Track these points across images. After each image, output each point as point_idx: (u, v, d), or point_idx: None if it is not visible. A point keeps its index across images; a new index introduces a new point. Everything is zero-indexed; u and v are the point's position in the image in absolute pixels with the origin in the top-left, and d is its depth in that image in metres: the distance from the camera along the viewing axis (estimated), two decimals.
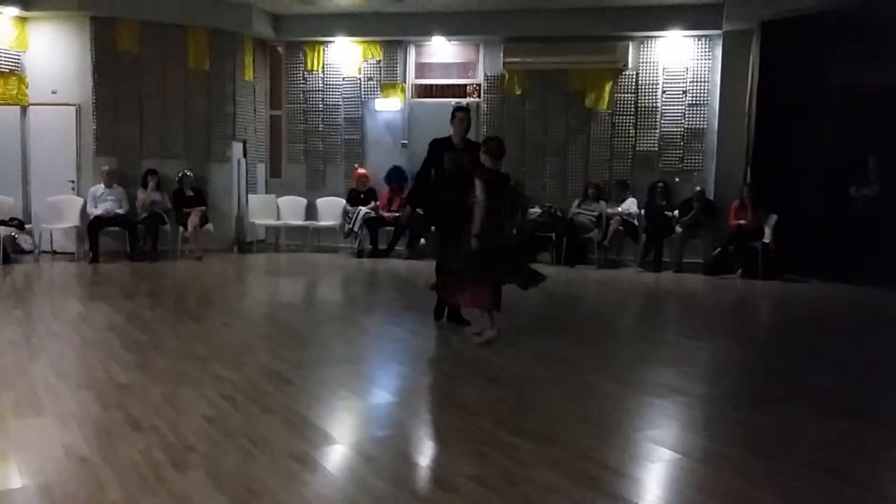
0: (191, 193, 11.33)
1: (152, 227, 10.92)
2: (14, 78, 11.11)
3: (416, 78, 12.76)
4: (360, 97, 12.82)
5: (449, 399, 4.71)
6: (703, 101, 11.56)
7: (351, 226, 11.89)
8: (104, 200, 10.82)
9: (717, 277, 10.37)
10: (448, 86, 12.69)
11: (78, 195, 11.24)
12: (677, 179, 11.49)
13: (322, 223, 12.42)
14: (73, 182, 11.39)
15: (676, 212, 11.06)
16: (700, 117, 11.59)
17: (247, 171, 12.61)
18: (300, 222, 12.52)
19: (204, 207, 11.31)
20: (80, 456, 3.53)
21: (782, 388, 5.18)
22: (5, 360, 5.32)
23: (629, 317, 8.46)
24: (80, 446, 3.65)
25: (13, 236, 10.42)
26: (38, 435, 3.86)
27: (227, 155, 12.12)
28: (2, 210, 10.61)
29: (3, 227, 10.26)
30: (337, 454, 3.81)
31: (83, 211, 10.94)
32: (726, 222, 10.72)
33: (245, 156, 12.56)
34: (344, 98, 12.87)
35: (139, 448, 3.63)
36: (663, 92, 11.72)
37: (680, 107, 11.67)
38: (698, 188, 11.05)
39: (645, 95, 11.78)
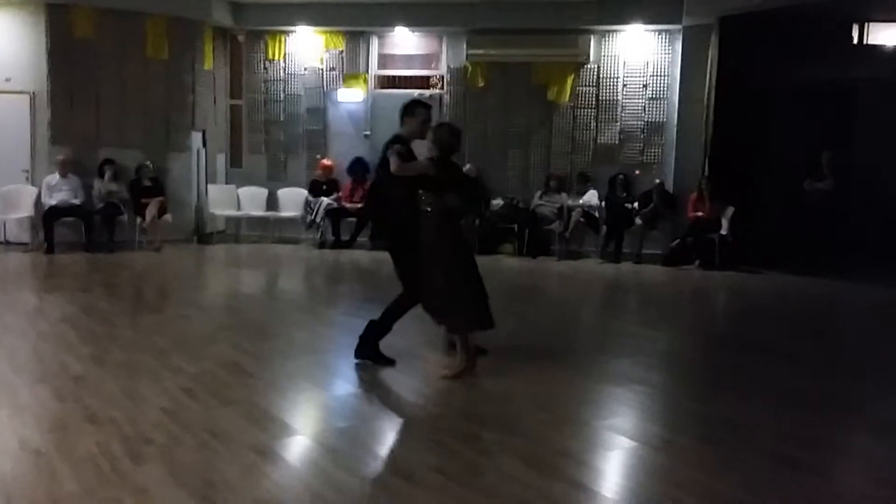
0: (148, 184, 11.14)
1: (109, 218, 10.71)
2: None
3: (379, 69, 12.69)
4: (323, 88, 12.71)
5: (410, 391, 4.72)
6: (663, 94, 11.69)
7: (313, 217, 11.81)
8: (59, 190, 10.58)
9: (675, 268, 10.53)
10: (411, 77, 12.65)
11: (32, 185, 10.97)
12: (637, 172, 11.63)
13: (284, 214, 12.31)
14: (27, 171, 11.12)
15: (636, 204, 11.19)
16: (660, 111, 11.72)
17: (206, 162, 12.43)
18: (261, 213, 12.39)
19: (162, 198, 11.12)
20: (35, 449, 3.47)
21: (739, 378, 5.29)
22: None
23: (589, 308, 8.56)
24: (36, 440, 3.59)
25: None
26: None
27: (186, 145, 11.92)
28: None
29: None
30: (298, 445, 3.81)
31: (38, 201, 10.69)
32: (685, 214, 10.88)
33: (205, 146, 12.37)
34: (306, 88, 12.75)
35: (96, 441, 3.59)
36: (624, 85, 11.83)
37: (640, 100, 11.79)
38: (658, 180, 11.20)
39: (606, 89, 11.88)
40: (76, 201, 10.63)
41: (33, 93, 11.05)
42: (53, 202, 10.47)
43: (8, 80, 10.98)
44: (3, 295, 7.74)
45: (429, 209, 4.82)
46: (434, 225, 4.81)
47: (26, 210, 10.69)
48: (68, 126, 11.10)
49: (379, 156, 5.16)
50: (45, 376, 4.70)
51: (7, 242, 10.72)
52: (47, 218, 10.37)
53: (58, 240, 10.39)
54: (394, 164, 4.79)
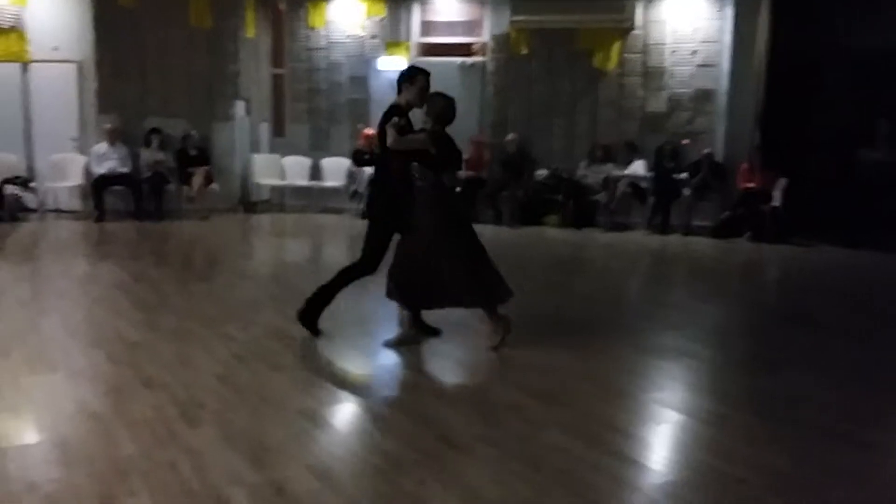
0: (194, 153, 11.24)
1: (156, 187, 10.85)
2: (14, 34, 10.94)
3: (421, 36, 12.56)
4: (365, 56, 12.64)
5: (457, 361, 4.72)
6: (714, 61, 11.35)
7: (356, 186, 11.82)
8: (108, 159, 10.73)
9: (725, 241, 10.31)
10: (453, 44, 12.49)
11: (81, 154, 11.16)
12: (686, 141, 11.34)
13: (327, 183, 12.33)
14: (75, 140, 11.30)
15: (685, 174, 10.96)
16: (710, 78, 11.38)
17: (250, 131, 12.51)
18: (305, 182, 12.44)
19: (208, 167, 11.22)
20: (93, 412, 3.55)
21: (789, 352, 5.19)
22: (16, 317, 5.34)
23: (636, 280, 8.45)
24: (93, 403, 3.67)
25: (17, 195, 10.36)
26: (51, 391, 3.88)
27: (230, 114, 11.99)
28: (6, 168, 10.52)
29: (7, 185, 10.19)
30: (346, 413, 3.84)
31: (87, 169, 10.87)
32: (735, 185, 10.63)
33: (248, 115, 12.44)
34: (348, 56, 12.68)
35: (151, 404, 3.66)
36: (672, 52, 11.53)
37: (689, 67, 11.47)
38: (707, 150, 10.93)
39: (654, 55, 11.60)
40: (124, 170, 10.77)
41: (80, 61, 11.18)
42: (102, 171, 10.63)
43: (55, 49, 11.11)
44: (56, 262, 7.91)
45: (423, 185, 4.72)
46: (428, 204, 4.72)
47: (76, 178, 10.87)
48: (115, 95, 11.22)
49: (377, 126, 4.87)
50: (99, 341, 4.80)
51: (58, 210, 10.94)
52: (97, 186, 10.54)
53: (107, 208, 10.57)
54: (391, 137, 4.58)
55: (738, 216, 10.51)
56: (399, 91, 4.85)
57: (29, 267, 7.57)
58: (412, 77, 4.83)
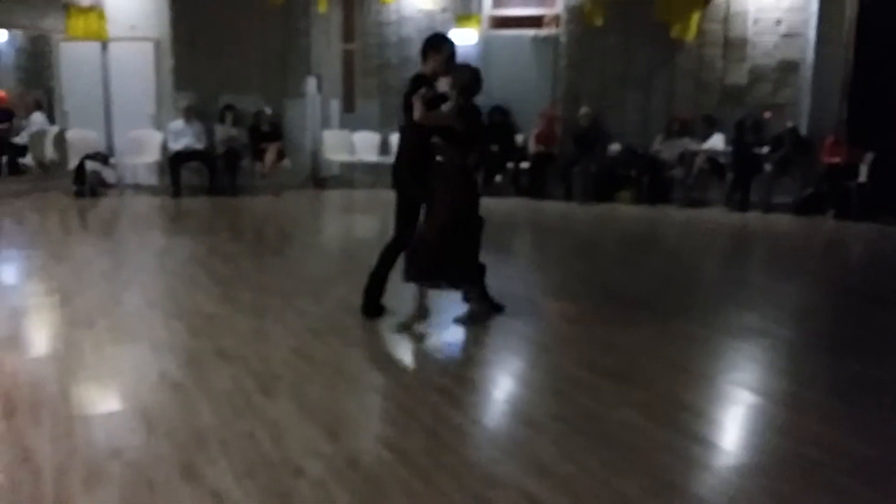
0: (267, 129, 11.42)
1: (230, 163, 11.09)
2: (94, 13, 11.28)
3: (493, 8, 12.39)
4: (434, 29, 12.55)
5: (528, 338, 4.68)
6: (798, 31, 10.86)
7: None
8: (184, 136, 11.00)
9: (807, 218, 9.93)
10: (525, 17, 12.28)
11: (158, 130, 11.46)
12: (768, 115, 10.90)
13: None
14: (152, 116, 11.61)
15: (766, 149, 10.55)
16: (794, 48, 10.90)
17: (321, 107, 12.62)
18: (375, 158, 12.50)
19: (280, 143, 11.40)
20: (174, 382, 3.66)
21: (870, 333, 4.98)
22: (99, 289, 5.54)
23: (713, 258, 8.21)
24: (174, 373, 3.78)
25: (97, 170, 10.73)
26: (134, 361, 4.02)
27: (301, 90, 12.12)
28: (87, 144, 10.90)
29: (88, 160, 10.56)
30: (417, 388, 3.84)
31: (163, 145, 11.18)
32: (819, 160, 10.20)
33: (320, 91, 12.55)
34: (418, 30, 12.60)
35: (229, 376, 3.75)
36: (755, 21, 11.07)
37: (772, 37, 11.00)
38: (790, 124, 10.49)
39: (735, 25, 11.16)
40: (200, 146, 11.03)
41: (157, 39, 11.45)
42: (178, 147, 10.91)
43: (133, 27, 11.41)
44: (135, 236, 8.19)
45: (443, 161, 4.58)
46: (447, 181, 4.58)
47: (153, 154, 11.19)
48: (190, 72, 11.48)
49: (402, 95, 4.69)
50: (178, 313, 4.93)
51: (136, 186, 11.30)
52: (173, 162, 10.83)
53: (183, 183, 10.86)
54: (418, 111, 4.39)
55: (822, 193, 10.10)
56: (424, 60, 4.74)
57: (109, 241, 7.85)
58: (438, 45, 4.70)
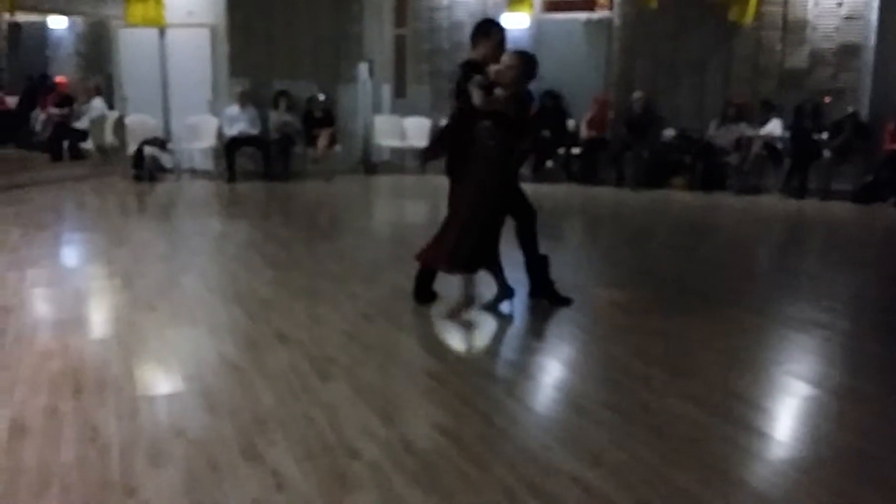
0: (320, 114, 11.53)
1: (284, 148, 11.23)
2: (152, 0, 11.50)
3: None
4: (487, 14, 12.48)
5: (580, 327, 4.67)
6: (861, 13, 10.51)
7: None
8: (239, 121, 11.16)
9: (866, 206, 9.65)
10: (578, 0, 12.13)
11: (214, 115, 11.66)
12: (828, 99, 10.59)
13: None
14: (208, 102, 11.80)
15: (825, 134, 10.26)
16: (856, 31, 10.55)
17: (372, 92, 12.68)
18: (425, 144, 12.52)
19: (332, 128, 11.50)
20: (233, 364, 3.76)
21: None
22: (158, 272, 5.70)
23: (768, 246, 8.05)
24: (233, 355, 3.88)
25: (156, 155, 10.98)
26: (195, 343, 4.14)
27: (354, 75, 12.20)
28: (145, 129, 11.15)
29: (146, 146, 10.81)
30: (469, 373, 3.88)
31: (219, 131, 11.37)
32: (880, 147, 9.89)
33: (371, 76, 12.61)
34: (470, 15, 12.55)
35: (286, 359, 3.84)
36: (816, 3, 10.74)
37: (834, 19, 10.67)
38: (851, 109, 10.18)
39: (795, 7, 10.84)
40: (254, 132, 11.17)
41: (213, 25, 11.63)
42: (234, 132, 11.07)
43: (190, 13, 11.59)
44: (192, 220, 8.38)
45: (488, 146, 4.52)
46: (490, 166, 4.54)
47: (209, 140, 11.38)
48: (246, 58, 11.62)
49: (453, 83, 4.68)
50: (236, 296, 5.05)
51: (192, 171, 11.54)
52: (229, 148, 11.01)
53: (238, 168, 11.04)
54: (478, 97, 4.37)
55: (883, 180, 9.80)
56: (474, 46, 4.71)
57: (168, 225, 8.05)
58: (488, 31, 4.67)
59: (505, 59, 4.52)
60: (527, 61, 4.57)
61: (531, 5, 12.11)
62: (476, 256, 4.65)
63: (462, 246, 4.59)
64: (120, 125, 11.27)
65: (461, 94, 4.54)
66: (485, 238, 4.62)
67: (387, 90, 13.11)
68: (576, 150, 11.30)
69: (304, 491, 2.59)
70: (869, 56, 10.47)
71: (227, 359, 3.82)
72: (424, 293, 4.87)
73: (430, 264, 4.79)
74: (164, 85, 11.82)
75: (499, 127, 4.50)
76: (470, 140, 4.58)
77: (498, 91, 4.49)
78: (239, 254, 6.47)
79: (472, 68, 4.56)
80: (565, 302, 4.88)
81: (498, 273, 4.80)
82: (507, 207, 4.72)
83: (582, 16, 11.69)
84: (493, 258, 4.76)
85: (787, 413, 3.50)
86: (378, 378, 3.65)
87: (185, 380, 3.57)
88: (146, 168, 10.69)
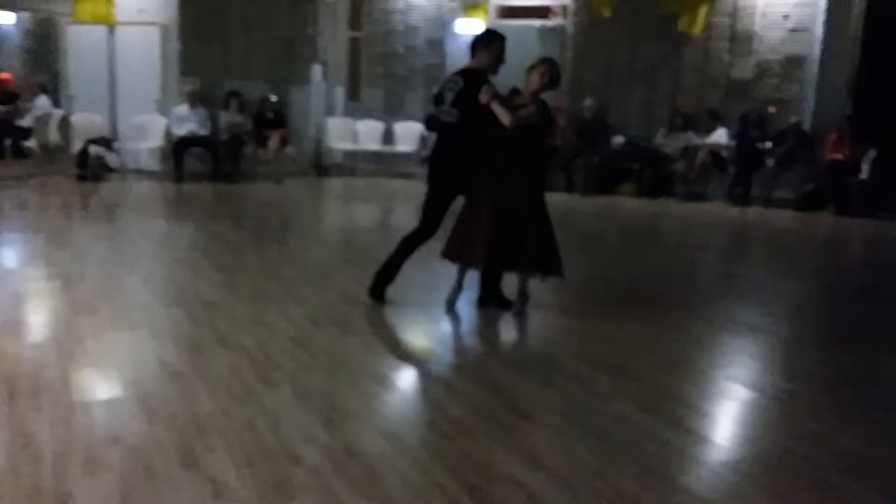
0: (271, 116, 11.41)
1: (234, 149, 11.09)
2: None
3: None
4: (442, 18, 12.52)
5: (525, 329, 4.70)
6: (806, 26, 10.83)
7: (427, 152, 11.82)
8: (188, 121, 10.98)
9: (807, 214, 9.94)
10: (532, 7, 12.24)
11: (162, 115, 11.46)
12: (773, 109, 10.89)
13: (399, 148, 12.37)
14: (157, 102, 11.60)
15: (769, 144, 10.55)
16: (801, 43, 10.87)
17: (326, 95, 12.61)
18: (378, 147, 12.51)
19: (284, 130, 11.39)
20: (174, 369, 3.68)
21: (869, 331, 5.01)
22: (100, 275, 5.55)
23: (712, 252, 8.23)
24: (174, 360, 3.80)
25: (101, 155, 10.72)
26: (135, 348, 4.04)
27: (307, 77, 12.12)
28: (91, 128, 10.89)
29: (92, 145, 10.55)
30: (415, 378, 3.89)
31: (167, 131, 11.17)
32: (822, 156, 10.19)
33: (325, 78, 12.53)
34: (425, 19, 12.60)
35: (228, 364, 3.77)
36: (763, 15, 11.03)
37: (780, 32, 10.97)
38: (794, 119, 10.49)
39: (743, 19, 11.12)
40: (203, 132, 11.00)
41: (164, 24, 11.43)
42: (182, 133, 10.89)
43: (140, 11, 11.39)
44: (137, 221, 8.20)
45: (510, 155, 4.57)
46: (514, 174, 4.59)
47: (157, 140, 11.18)
48: (197, 57, 11.45)
49: (454, 90, 4.64)
50: (179, 300, 4.95)
51: (139, 171, 11.30)
52: (177, 148, 10.82)
53: (185, 169, 10.85)
54: (507, 118, 4.38)
55: (823, 189, 10.10)
56: (472, 55, 4.73)
57: (111, 226, 7.87)
58: (489, 42, 4.70)
59: (537, 68, 4.59)
60: (555, 68, 4.65)
61: (486, 11, 12.20)
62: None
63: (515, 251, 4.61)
64: (65, 123, 11.00)
65: (466, 104, 4.54)
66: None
67: (340, 93, 13.05)
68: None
69: (242, 498, 2.55)
70: (813, 68, 10.79)
71: (167, 364, 3.74)
72: (380, 292, 4.85)
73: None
74: (112, 83, 11.57)
75: (525, 136, 4.53)
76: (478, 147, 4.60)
77: (523, 111, 4.49)
78: (184, 256, 6.36)
79: (479, 78, 4.57)
80: (507, 304, 4.89)
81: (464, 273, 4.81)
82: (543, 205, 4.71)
83: (536, 23, 11.79)
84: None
85: (727, 416, 3.57)
86: (323, 383, 3.61)
87: (123, 385, 3.49)
88: (91, 168, 10.44)
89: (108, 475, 2.66)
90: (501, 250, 4.57)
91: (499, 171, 4.61)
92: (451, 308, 4.83)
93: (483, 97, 4.44)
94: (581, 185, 10.97)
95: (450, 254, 4.76)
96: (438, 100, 4.85)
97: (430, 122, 5.01)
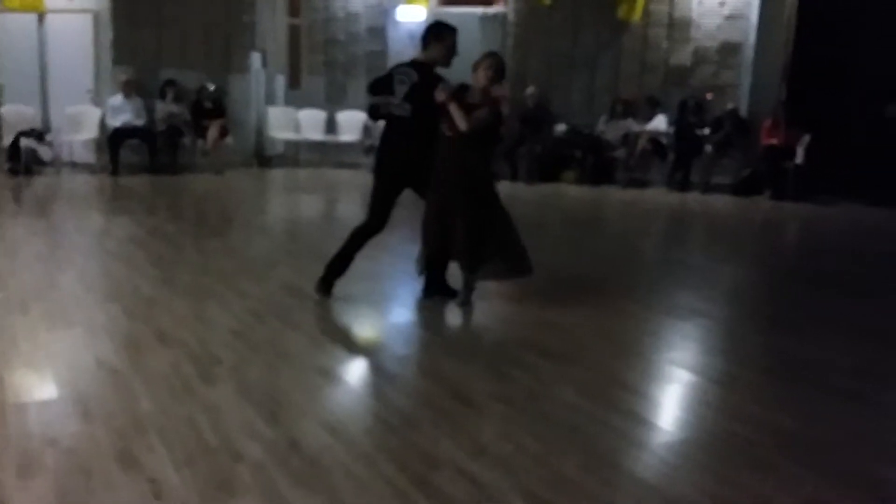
0: (210, 105, 11.17)
1: (171, 140, 10.83)
2: None
3: None
4: (383, 6, 12.42)
5: (470, 318, 4.72)
6: (741, 13, 11.06)
7: (372, 141, 11.75)
8: (123, 112, 10.67)
9: (745, 199, 10.20)
10: None
11: (96, 106, 11.12)
12: (710, 96, 11.12)
13: (343, 138, 12.24)
14: (90, 92, 11.25)
15: (707, 130, 10.77)
16: (737, 30, 11.10)
17: (266, 83, 12.40)
18: (320, 137, 12.35)
19: (223, 120, 11.16)
20: (111, 367, 3.59)
21: (807, 312, 5.15)
22: (33, 272, 5.37)
23: (653, 238, 8.38)
24: (111, 358, 3.70)
25: (33, 148, 10.36)
26: (70, 347, 3.92)
27: (246, 65, 11.89)
28: (22, 120, 10.49)
29: (23, 137, 10.16)
30: (360, 370, 3.87)
31: (102, 122, 10.85)
32: (758, 142, 10.46)
33: (264, 66, 12.32)
34: (366, 6, 12.47)
35: (168, 360, 3.69)
36: (699, 2, 11.22)
37: (716, 18, 11.17)
38: (731, 105, 10.72)
39: (680, 6, 11.30)
40: (140, 123, 10.72)
41: (96, 11, 11.08)
42: (117, 124, 10.59)
43: None
44: (72, 216, 7.96)
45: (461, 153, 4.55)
46: (473, 167, 4.60)
47: (91, 131, 10.83)
48: (131, 46, 11.13)
49: (406, 83, 4.56)
50: (116, 296, 4.82)
51: (73, 163, 10.96)
52: (112, 140, 10.51)
53: (122, 161, 10.55)
54: (463, 122, 4.34)
55: (760, 174, 10.37)
56: (424, 47, 4.68)
57: (45, 221, 7.61)
58: (440, 34, 4.63)
59: (482, 63, 4.54)
60: (500, 61, 4.61)
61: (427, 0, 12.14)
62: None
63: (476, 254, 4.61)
64: None
65: (418, 98, 4.48)
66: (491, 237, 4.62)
67: (280, 81, 12.83)
68: None
69: (183, 497, 2.50)
70: (749, 54, 11.04)
71: (103, 362, 3.64)
72: (328, 286, 4.77)
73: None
74: (43, 73, 11.15)
75: (480, 136, 4.50)
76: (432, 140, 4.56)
77: (479, 113, 4.44)
78: (121, 251, 6.19)
79: (424, 71, 4.52)
80: (452, 294, 4.87)
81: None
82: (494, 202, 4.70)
83: (478, 10, 11.79)
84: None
85: (669, 400, 3.63)
86: (265, 377, 3.57)
87: (58, 385, 3.38)
88: (23, 161, 10.08)
89: (44, 478, 2.59)
90: (443, 242, 4.58)
91: (446, 167, 4.58)
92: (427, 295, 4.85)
93: (440, 96, 4.39)
94: (525, 173, 11.03)
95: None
96: (377, 88, 4.78)
97: (374, 112, 4.93)
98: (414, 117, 4.58)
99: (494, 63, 4.59)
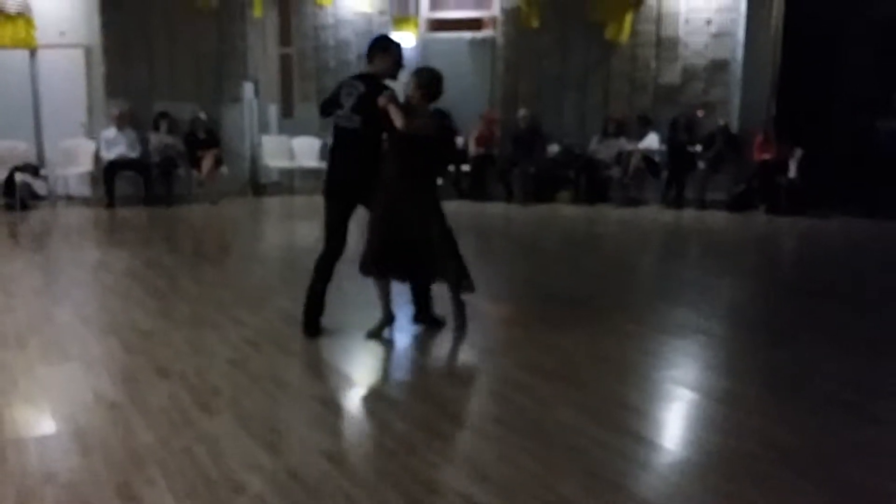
0: (203, 136, 11.21)
1: (166, 171, 10.84)
2: (21, 20, 10.90)
3: (430, 11, 12.43)
4: (373, 32, 12.51)
5: (469, 342, 4.71)
6: (728, 30, 11.16)
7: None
8: (117, 144, 10.69)
9: (740, 214, 10.23)
10: (463, 19, 12.35)
11: (90, 139, 11.15)
12: (700, 113, 11.19)
13: None
14: (84, 126, 11.28)
15: (699, 147, 10.83)
16: (724, 48, 11.19)
17: (259, 112, 12.45)
18: (315, 164, 12.36)
19: (217, 150, 11.19)
20: (109, 401, 3.57)
21: (804, 326, 5.16)
22: (30, 306, 5.36)
23: (650, 256, 8.40)
24: (109, 392, 3.69)
25: (28, 182, 10.37)
26: (68, 381, 3.91)
27: (238, 95, 11.94)
28: (16, 156, 10.48)
29: (18, 173, 10.17)
30: (359, 397, 3.85)
31: (96, 155, 10.86)
32: (750, 157, 10.52)
33: (257, 96, 12.38)
34: (356, 34, 12.57)
35: (167, 392, 3.68)
36: (686, 21, 11.34)
37: (704, 37, 11.28)
38: (721, 122, 10.79)
39: (667, 25, 11.41)
40: (134, 155, 10.74)
41: (88, 46, 11.15)
42: (112, 156, 10.60)
43: (62, 34, 11.09)
44: (68, 249, 7.96)
45: (408, 167, 4.52)
46: (415, 187, 4.56)
47: (86, 164, 10.85)
48: (123, 79, 11.18)
49: (353, 94, 4.51)
50: (113, 329, 4.81)
51: (68, 197, 10.96)
52: (107, 172, 10.52)
53: (117, 193, 10.55)
54: (399, 119, 4.29)
55: (753, 189, 10.42)
56: (370, 61, 4.65)
57: (41, 255, 7.61)
58: (386, 47, 4.61)
59: (410, 82, 4.53)
60: (430, 81, 4.55)
61: (417, 25, 12.26)
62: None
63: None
64: None
65: (366, 109, 4.45)
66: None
67: (273, 110, 12.90)
68: (465, 167, 11.46)
69: None
70: (737, 71, 11.13)
71: (102, 396, 3.63)
72: (313, 326, 4.68)
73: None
74: (36, 108, 11.20)
75: (421, 147, 4.48)
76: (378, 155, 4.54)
77: (419, 120, 4.43)
78: (118, 284, 6.18)
79: (376, 83, 4.49)
80: (439, 324, 4.82)
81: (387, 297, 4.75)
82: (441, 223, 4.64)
83: (467, 35, 11.89)
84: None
85: (670, 419, 3.62)
86: (264, 407, 3.55)
87: (56, 420, 3.37)
88: (18, 196, 10.08)
89: None
90: (393, 261, 4.56)
91: (392, 182, 4.53)
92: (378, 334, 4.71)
93: (381, 100, 4.37)
94: (519, 194, 11.07)
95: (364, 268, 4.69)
96: (327, 107, 4.75)
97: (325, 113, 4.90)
98: (362, 127, 4.54)
99: (417, 78, 4.55)
